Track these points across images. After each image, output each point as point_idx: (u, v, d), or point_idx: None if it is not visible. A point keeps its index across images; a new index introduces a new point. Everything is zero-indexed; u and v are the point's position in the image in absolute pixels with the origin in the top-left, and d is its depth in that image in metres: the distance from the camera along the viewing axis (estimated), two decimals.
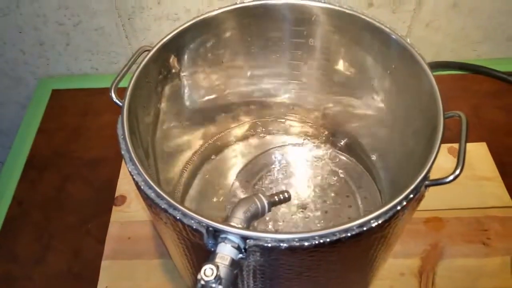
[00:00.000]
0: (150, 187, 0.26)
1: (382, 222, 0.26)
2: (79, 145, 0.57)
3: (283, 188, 0.46)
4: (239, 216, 0.27)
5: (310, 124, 0.49)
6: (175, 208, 0.25)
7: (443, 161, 0.30)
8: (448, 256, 0.45)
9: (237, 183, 0.46)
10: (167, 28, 0.58)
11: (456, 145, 0.54)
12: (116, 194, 0.51)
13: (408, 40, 0.34)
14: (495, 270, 0.44)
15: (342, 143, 0.48)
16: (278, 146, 0.49)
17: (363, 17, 0.35)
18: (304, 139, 0.50)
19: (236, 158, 0.49)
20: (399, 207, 0.26)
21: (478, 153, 0.54)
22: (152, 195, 0.26)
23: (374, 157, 0.46)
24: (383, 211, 0.26)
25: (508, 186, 0.51)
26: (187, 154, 0.45)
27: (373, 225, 0.25)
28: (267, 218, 0.43)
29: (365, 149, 0.47)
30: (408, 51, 0.33)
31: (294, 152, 0.49)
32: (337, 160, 0.48)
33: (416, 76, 0.34)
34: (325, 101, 0.44)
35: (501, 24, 0.61)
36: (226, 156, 0.49)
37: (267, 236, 0.24)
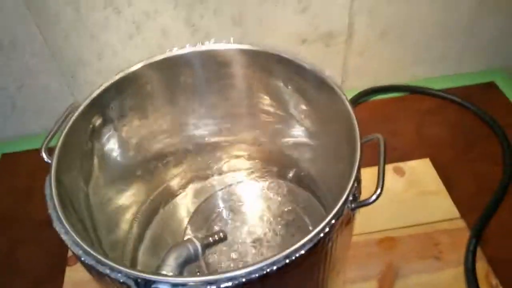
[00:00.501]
0: (77, 245, 0.26)
1: (308, 250, 0.26)
2: (30, 207, 0.56)
3: (236, 229, 0.46)
4: (170, 263, 0.27)
5: (252, 160, 0.50)
6: (102, 263, 0.25)
7: (389, 180, 0.31)
8: (404, 275, 0.46)
9: (189, 231, 0.46)
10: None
11: (401, 164, 0.58)
12: (69, 254, 0.50)
13: (327, 72, 0.36)
14: (449, 282, 0.45)
15: (289, 175, 0.50)
16: (225, 187, 0.49)
17: (275, 53, 0.37)
18: (250, 176, 0.51)
19: (184, 206, 0.49)
20: (322, 234, 0.27)
21: (423, 169, 0.57)
22: (80, 252, 0.26)
23: (319, 185, 0.47)
24: (308, 239, 0.26)
25: (454, 198, 0.52)
26: (131, 212, 0.45)
27: (300, 254, 0.26)
28: (222, 260, 0.43)
29: (311, 178, 0.48)
30: (323, 81, 0.35)
31: (242, 190, 0.49)
32: (286, 191, 0.49)
33: (334, 104, 0.35)
34: (260, 136, 0.46)
35: (429, 46, 0.65)
36: (174, 206, 0.49)
37: (194, 280, 0.24)
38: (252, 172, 0.51)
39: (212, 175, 0.50)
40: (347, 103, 0.34)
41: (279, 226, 0.46)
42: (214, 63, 0.38)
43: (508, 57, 0.68)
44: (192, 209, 0.48)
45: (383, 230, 0.50)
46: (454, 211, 0.51)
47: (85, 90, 0.61)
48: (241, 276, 0.25)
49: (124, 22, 0.54)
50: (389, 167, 0.57)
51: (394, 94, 0.68)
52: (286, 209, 0.48)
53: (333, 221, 0.27)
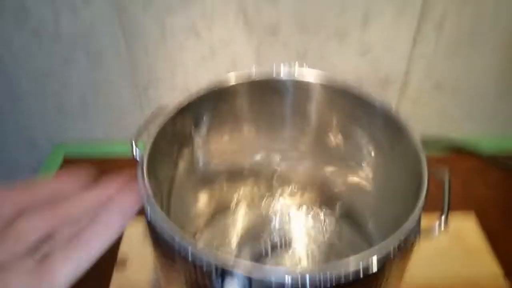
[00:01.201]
0: (165, 225, 0.29)
1: (378, 260, 0.28)
2: None
3: (281, 252, 0.48)
4: (245, 256, 0.29)
5: (308, 191, 0.52)
6: (186, 245, 0.27)
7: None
8: None
9: (237, 245, 0.48)
10: (179, 98, 0.64)
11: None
12: (118, 258, 0.51)
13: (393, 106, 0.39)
14: None
15: (337, 210, 0.51)
16: (277, 212, 0.52)
17: (353, 88, 0.40)
18: (302, 206, 0.53)
19: (237, 221, 0.51)
20: (392, 247, 0.28)
21: (467, 224, 0.56)
22: (166, 233, 0.28)
23: (368, 223, 0.48)
24: (377, 248, 0.28)
25: (497, 256, 0.52)
26: (192, 213, 0.48)
27: (369, 262, 0.27)
28: None
29: (359, 215, 0.49)
30: (391, 117, 0.38)
31: (292, 218, 0.52)
32: (333, 226, 0.51)
33: (400, 140, 0.38)
34: (321, 169, 0.49)
35: (481, 104, 0.68)
36: (228, 218, 0.51)
37: (272, 271, 0.26)
38: (306, 204, 0.53)
39: (268, 199, 0.53)
40: (416, 139, 0.37)
41: (323, 258, 0.48)
42: (294, 92, 0.41)
43: None
44: (243, 226, 0.50)
45: (423, 277, 0.50)
46: (497, 270, 0.51)
47: (153, 104, 0.66)
48: (319, 272, 0.26)
49: (201, 45, 0.60)
50: (433, 217, 0.57)
51: (441, 148, 0.69)
52: (331, 243, 0.49)
53: (402, 238, 0.29)
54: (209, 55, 0.61)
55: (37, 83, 0.64)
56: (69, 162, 0.67)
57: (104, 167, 0.63)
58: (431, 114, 0.69)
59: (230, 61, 0.62)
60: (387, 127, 0.40)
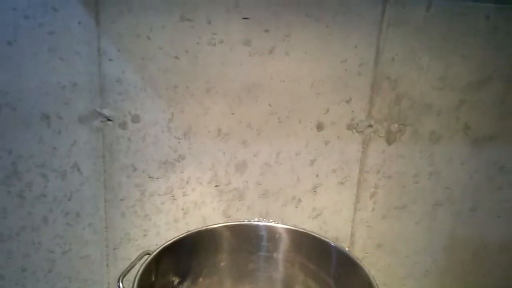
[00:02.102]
0: None
1: None
2: None
3: None
4: None
5: None
6: None
7: None
8: None
9: None
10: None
11: None
12: None
13: (346, 248, 0.47)
14: None
15: None
16: None
17: (313, 234, 0.48)
18: None
19: None
20: None
21: None
22: None
23: None
24: None
25: None
26: None
27: None
28: None
29: None
30: (346, 255, 0.45)
31: None
32: None
33: (356, 276, 0.44)
34: None
35: (417, 262, 0.77)
36: None
37: None
38: None
39: None
40: (370, 275, 0.43)
41: None
42: (264, 236, 0.48)
43: None
44: None
45: None
46: None
47: (120, 264, 0.69)
48: None
49: (176, 208, 0.67)
50: None
51: None
52: None
53: None
54: (182, 216, 0.68)
55: (6, 242, 0.65)
56: None
57: None
58: (377, 273, 0.76)
59: (200, 222, 0.69)
60: (343, 265, 0.46)
